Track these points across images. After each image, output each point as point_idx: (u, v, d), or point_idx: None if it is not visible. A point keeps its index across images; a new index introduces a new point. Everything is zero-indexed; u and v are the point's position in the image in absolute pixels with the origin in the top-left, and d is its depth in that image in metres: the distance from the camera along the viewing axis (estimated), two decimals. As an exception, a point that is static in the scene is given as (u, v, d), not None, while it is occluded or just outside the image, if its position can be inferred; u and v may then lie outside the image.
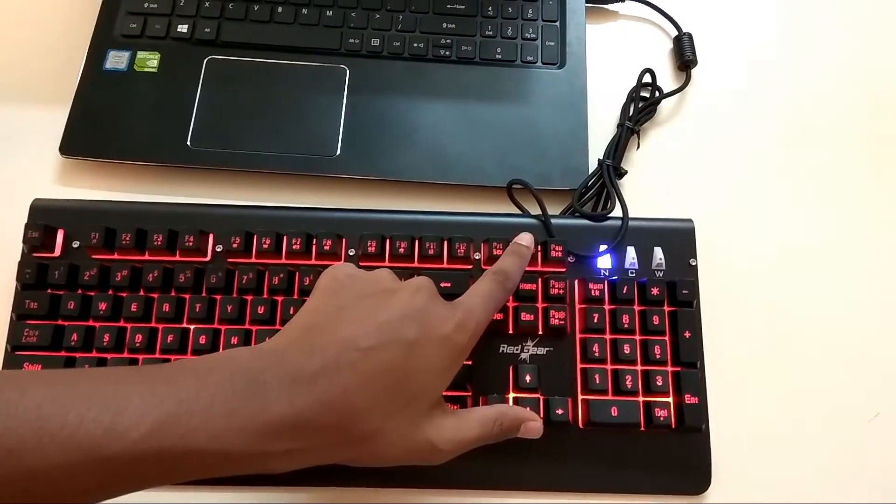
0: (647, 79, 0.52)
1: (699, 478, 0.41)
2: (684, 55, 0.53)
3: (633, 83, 0.52)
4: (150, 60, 0.51)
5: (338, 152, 0.49)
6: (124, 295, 0.42)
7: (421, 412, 0.32)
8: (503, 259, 0.39)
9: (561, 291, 0.43)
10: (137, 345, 0.41)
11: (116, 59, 0.51)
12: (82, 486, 0.26)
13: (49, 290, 0.42)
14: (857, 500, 0.42)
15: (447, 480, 0.41)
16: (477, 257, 0.44)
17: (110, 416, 0.26)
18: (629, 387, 0.41)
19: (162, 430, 0.26)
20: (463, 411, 0.35)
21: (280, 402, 0.28)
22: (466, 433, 0.34)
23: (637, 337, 0.43)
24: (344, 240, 0.44)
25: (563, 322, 0.42)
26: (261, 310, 0.42)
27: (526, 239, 0.40)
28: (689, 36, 0.54)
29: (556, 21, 0.54)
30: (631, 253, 0.45)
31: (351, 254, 0.44)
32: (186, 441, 0.27)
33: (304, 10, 0.53)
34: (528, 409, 0.38)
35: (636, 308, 0.43)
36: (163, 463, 0.27)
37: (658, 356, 0.42)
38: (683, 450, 0.41)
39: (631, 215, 0.45)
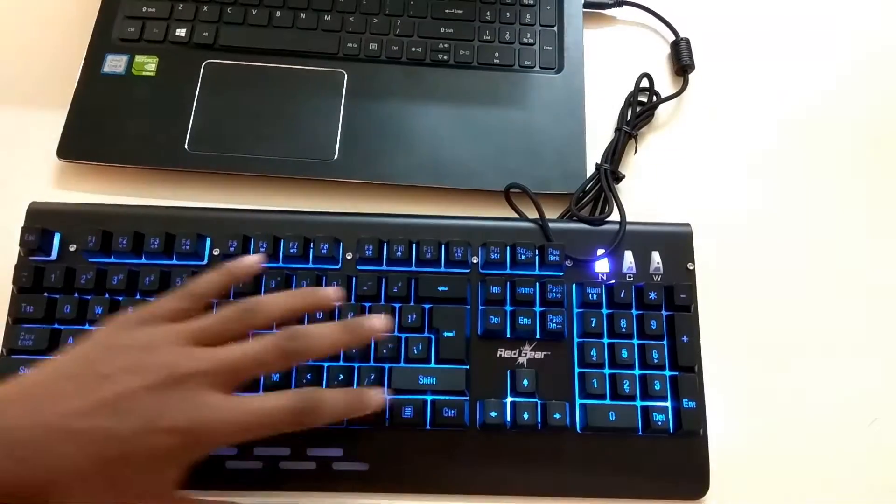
0: (644, 83, 0.52)
1: (697, 482, 0.41)
2: (682, 60, 0.54)
3: (631, 88, 0.52)
4: (147, 64, 0.51)
5: (336, 156, 0.49)
6: (121, 298, 0.42)
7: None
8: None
9: (559, 295, 0.43)
10: (134, 349, 0.41)
11: (114, 63, 0.51)
12: None
13: (45, 294, 0.41)
14: (855, 503, 0.42)
15: (443, 486, 0.41)
16: (475, 261, 0.44)
17: None
18: (627, 391, 0.41)
19: None
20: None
21: None
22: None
23: (635, 341, 0.43)
24: (341, 244, 0.44)
25: (560, 326, 0.42)
26: (258, 314, 0.41)
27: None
28: (687, 41, 0.54)
29: (553, 26, 0.54)
30: (628, 257, 0.45)
31: (348, 257, 0.43)
32: None
33: (303, 15, 0.53)
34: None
35: (634, 312, 0.43)
36: None
37: (656, 360, 0.42)
38: (681, 454, 0.41)
39: (628, 219, 0.45)
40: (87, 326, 0.41)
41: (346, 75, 0.51)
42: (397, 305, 0.42)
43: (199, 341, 0.33)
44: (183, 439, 0.31)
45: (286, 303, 0.35)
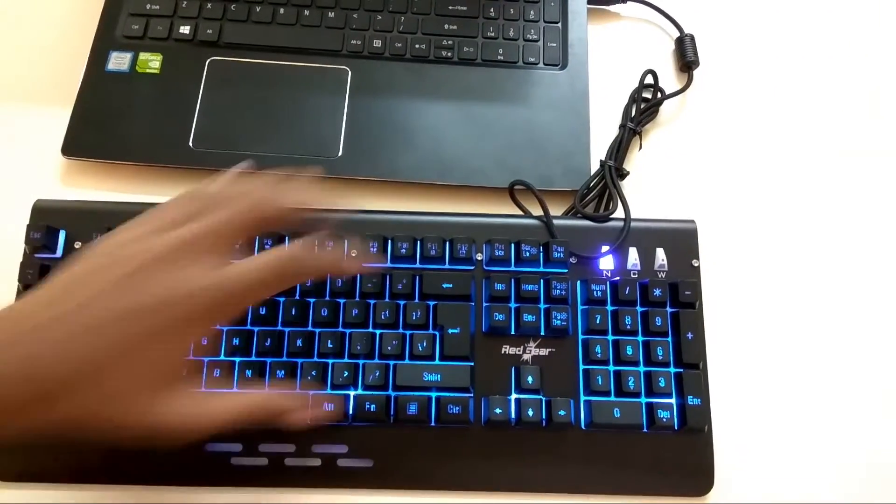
0: (649, 80, 0.52)
1: (702, 479, 0.41)
2: (686, 56, 0.53)
3: (635, 84, 0.52)
4: (152, 62, 0.51)
5: (339, 153, 0.49)
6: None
7: (160, 383, 0.31)
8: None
9: (563, 292, 0.43)
10: (139, 346, 0.41)
11: (119, 61, 0.51)
12: None
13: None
14: (860, 502, 0.42)
15: (451, 483, 0.41)
16: (479, 258, 0.44)
17: None
18: (632, 388, 0.41)
19: None
20: (208, 395, 0.34)
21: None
22: (205, 419, 0.31)
23: (639, 338, 0.42)
24: (346, 240, 0.44)
25: (565, 323, 0.42)
26: (262, 311, 0.42)
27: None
28: (691, 37, 0.54)
29: (557, 22, 0.54)
30: (633, 254, 0.44)
31: (353, 255, 0.43)
32: None
33: (306, 12, 0.53)
34: (292, 395, 0.37)
35: (639, 309, 0.43)
36: None
37: (661, 357, 0.42)
38: (686, 451, 0.41)
39: (633, 216, 0.45)
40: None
41: (349, 72, 0.51)
42: (402, 302, 0.42)
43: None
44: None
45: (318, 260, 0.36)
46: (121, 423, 0.30)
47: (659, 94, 0.52)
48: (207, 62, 0.51)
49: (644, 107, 0.51)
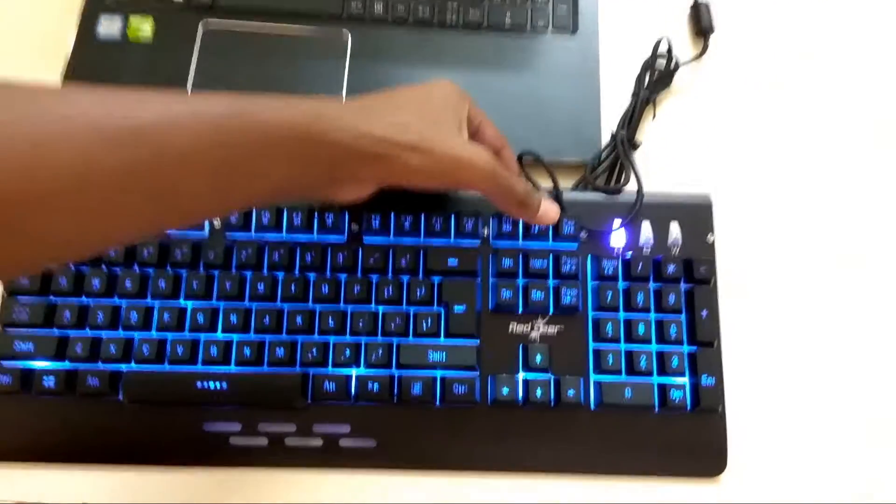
0: (663, 47, 0.50)
1: (714, 460, 0.40)
2: (702, 22, 0.51)
3: (649, 51, 0.50)
4: (143, 25, 0.49)
5: (340, 123, 0.47)
6: (118, 270, 0.40)
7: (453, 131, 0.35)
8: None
9: (573, 268, 0.41)
10: (133, 323, 0.39)
11: (109, 24, 0.49)
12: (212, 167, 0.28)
13: (41, 266, 0.40)
14: (877, 486, 0.41)
15: (457, 463, 0.40)
16: (486, 233, 0.42)
17: (283, 103, 0.30)
18: (643, 367, 0.40)
19: (316, 113, 0.30)
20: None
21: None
22: (487, 157, 0.34)
23: (652, 316, 0.41)
24: (346, 214, 0.42)
25: (575, 300, 0.41)
26: (261, 287, 0.40)
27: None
28: (707, 2, 0.51)
29: (568, -15, 0.51)
30: (646, 229, 0.43)
31: (354, 229, 0.42)
32: (334, 131, 0.30)
33: (304, -26, 0.50)
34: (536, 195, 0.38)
35: (651, 286, 0.42)
36: (303, 150, 0.30)
37: (674, 336, 0.40)
38: (699, 432, 0.40)
39: (646, 189, 0.43)
40: (83, 299, 0.40)
41: (349, 38, 0.49)
42: (405, 278, 0.41)
43: None
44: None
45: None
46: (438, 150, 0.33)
47: (673, 62, 0.50)
48: (200, 26, 0.49)
49: (657, 75, 0.49)
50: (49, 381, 0.38)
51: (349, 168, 0.32)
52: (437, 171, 0.33)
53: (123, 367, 0.39)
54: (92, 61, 0.48)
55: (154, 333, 0.40)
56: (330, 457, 0.39)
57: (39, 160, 0.24)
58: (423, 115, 0.34)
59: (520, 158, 0.44)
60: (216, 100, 0.28)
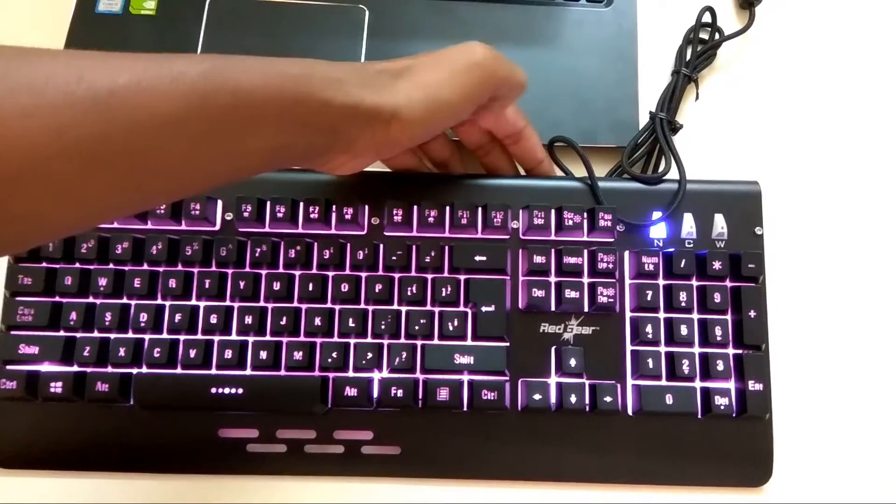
0: (706, 18, 0.46)
1: (759, 469, 0.38)
2: (748, -10, 0.47)
3: (690, 23, 0.46)
4: (147, 1, 0.46)
5: (358, 106, 0.44)
6: (126, 269, 0.38)
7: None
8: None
9: (610, 265, 0.38)
10: (143, 324, 0.37)
11: (110, 1, 0.46)
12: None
13: (44, 264, 0.38)
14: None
15: (485, 472, 0.38)
16: (515, 226, 0.39)
17: (270, 63, 0.28)
18: (686, 371, 0.37)
19: (307, 73, 0.28)
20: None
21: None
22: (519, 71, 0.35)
23: (695, 316, 0.38)
24: (367, 206, 0.39)
25: (611, 299, 0.38)
26: (276, 285, 0.38)
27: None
28: (755, -32, 0.47)
29: (602, -49, 0.47)
30: (688, 221, 0.40)
31: (374, 223, 0.39)
32: (326, 91, 0.28)
33: (317, -59, 0.47)
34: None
35: (694, 283, 0.39)
36: (293, 113, 0.28)
37: (719, 337, 0.38)
38: (744, 439, 0.38)
39: (688, 177, 0.40)
40: (90, 299, 0.38)
41: (367, 11, 0.46)
42: (429, 276, 0.38)
43: None
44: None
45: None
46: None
47: (717, 35, 0.46)
48: (208, 1, 0.46)
49: (700, 49, 0.45)
50: (56, 386, 0.37)
51: (344, 133, 0.30)
52: (442, 107, 0.32)
53: (133, 370, 0.37)
54: (91, 36, 0.45)
55: (165, 335, 0.38)
56: (352, 464, 0.37)
57: (4, 140, 0.22)
58: (428, 75, 0.32)
59: (551, 144, 0.41)
60: (198, 61, 0.26)
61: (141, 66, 0.25)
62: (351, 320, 0.38)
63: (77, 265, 0.38)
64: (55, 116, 0.23)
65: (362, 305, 0.38)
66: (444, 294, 0.38)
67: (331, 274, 0.38)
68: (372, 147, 0.32)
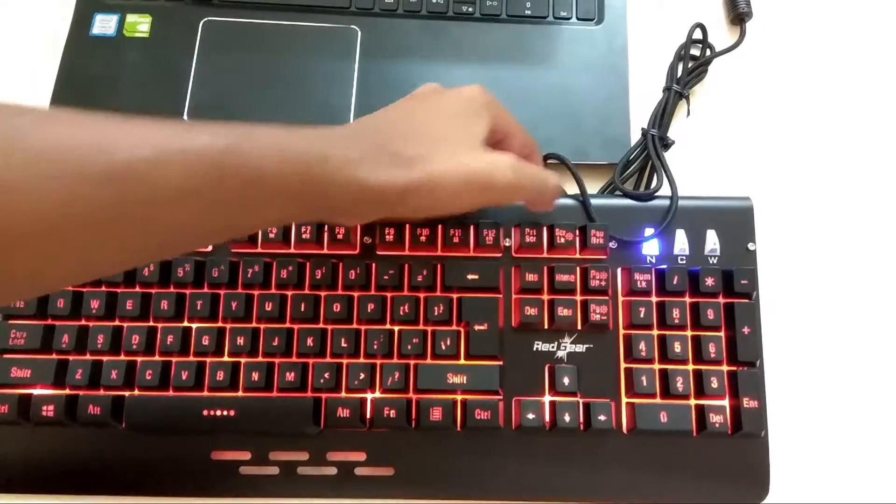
0: (697, 35, 0.46)
1: (756, 486, 0.38)
2: (738, 7, 0.47)
3: (681, 40, 0.46)
4: (140, 24, 0.46)
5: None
6: (118, 291, 0.38)
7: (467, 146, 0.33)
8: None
9: (602, 283, 0.38)
10: (135, 346, 0.37)
11: (104, 24, 0.46)
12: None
13: (36, 287, 0.38)
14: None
15: (480, 492, 0.37)
16: (507, 244, 0.39)
17: (285, 139, 0.28)
18: (680, 389, 0.37)
19: (322, 156, 0.28)
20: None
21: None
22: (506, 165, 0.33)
23: (689, 333, 0.38)
24: (358, 226, 0.39)
25: (604, 317, 0.38)
26: (268, 306, 0.38)
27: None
28: (744, -15, 0.48)
29: (592, -30, 0.48)
30: (681, 237, 0.40)
31: (366, 242, 0.39)
32: (337, 176, 0.28)
33: (310, -37, 0.47)
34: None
35: (687, 300, 0.39)
36: (305, 193, 0.28)
37: (713, 354, 0.38)
38: (739, 457, 0.37)
39: (680, 194, 0.40)
40: (82, 322, 0.38)
41: (359, 32, 0.46)
42: (422, 296, 0.38)
43: None
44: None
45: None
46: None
47: (708, 52, 0.46)
48: (202, 24, 0.46)
49: (691, 66, 0.46)
50: (48, 409, 0.36)
51: (355, 209, 0.31)
52: (447, 203, 0.32)
53: (126, 393, 0.37)
54: (86, 58, 0.45)
55: (157, 357, 0.37)
56: (345, 486, 0.37)
57: (16, 205, 0.22)
58: (435, 134, 0.32)
59: (543, 161, 0.41)
60: (220, 136, 0.26)
61: (161, 138, 0.25)
62: (343, 340, 0.37)
63: (69, 288, 0.38)
64: (70, 186, 0.23)
65: (355, 325, 0.38)
66: (436, 313, 0.38)
67: (323, 294, 0.38)
68: (380, 217, 0.32)
